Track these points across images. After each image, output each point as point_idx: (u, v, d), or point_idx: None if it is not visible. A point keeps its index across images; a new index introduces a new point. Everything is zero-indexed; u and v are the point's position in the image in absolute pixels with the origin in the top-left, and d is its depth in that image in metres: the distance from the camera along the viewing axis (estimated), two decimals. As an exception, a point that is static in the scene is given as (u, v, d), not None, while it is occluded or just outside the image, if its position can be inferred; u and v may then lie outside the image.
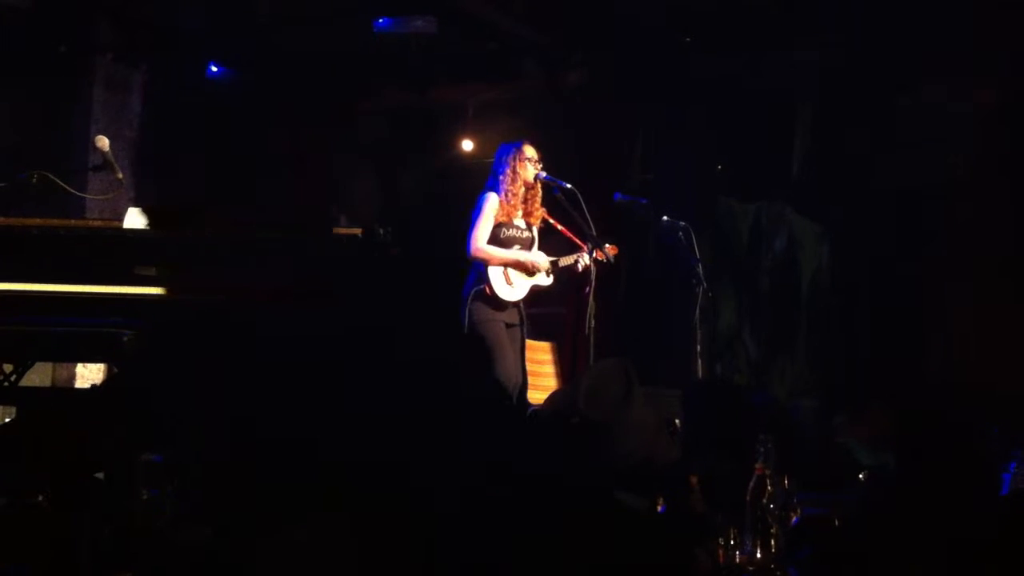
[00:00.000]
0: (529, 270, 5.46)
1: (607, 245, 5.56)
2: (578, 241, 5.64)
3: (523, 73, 7.61)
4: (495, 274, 5.36)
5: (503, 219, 5.43)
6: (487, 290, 5.32)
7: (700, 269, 5.80)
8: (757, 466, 2.27)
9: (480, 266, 5.38)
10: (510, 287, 5.40)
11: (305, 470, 1.66)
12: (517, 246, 5.46)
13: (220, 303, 3.69)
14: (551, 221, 5.65)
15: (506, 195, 5.44)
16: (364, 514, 1.79)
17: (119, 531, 1.97)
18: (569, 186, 5.46)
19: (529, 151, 5.50)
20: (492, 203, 5.42)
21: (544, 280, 5.55)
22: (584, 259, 5.57)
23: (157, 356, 3.51)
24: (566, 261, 5.59)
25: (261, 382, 1.67)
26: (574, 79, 7.79)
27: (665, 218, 5.91)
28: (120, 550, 2.00)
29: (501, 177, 5.46)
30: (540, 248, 5.61)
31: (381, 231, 3.92)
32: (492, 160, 5.65)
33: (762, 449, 2.27)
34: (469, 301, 5.35)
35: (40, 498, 2.86)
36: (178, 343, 1.60)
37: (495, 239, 5.40)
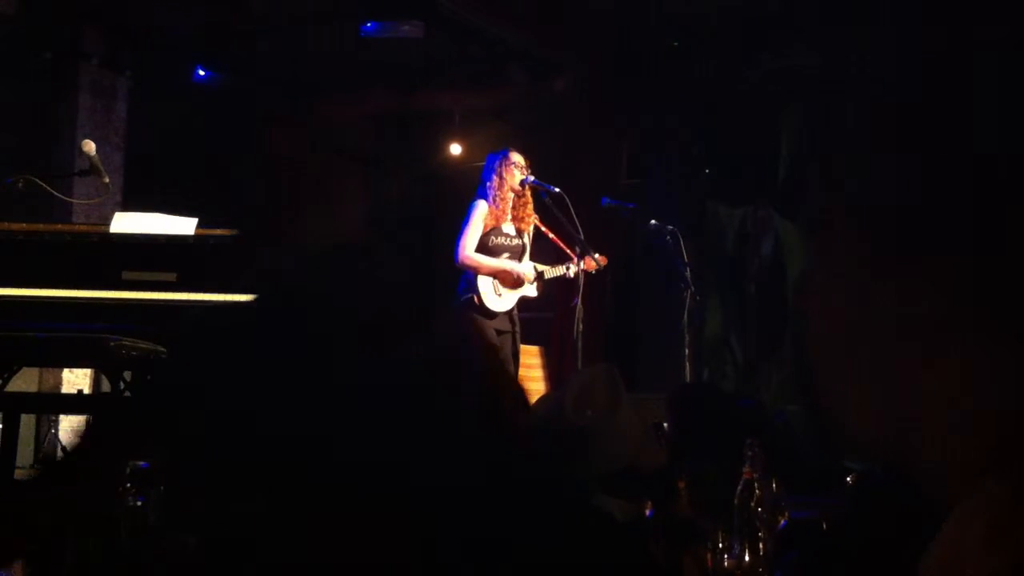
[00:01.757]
0: (515, 281, 5.46)
1: (597, 255, 5.56)
2: (568, 250, 5.65)
3: (510, 78, 7.62)
4: (484, 284, 5.36)
5: (492, 225, 5.44)
6: (476, 300, 5.33)
7: (688, 273, 5.81)
8: (745, 470, 2.27)
9: (469, 274, 5.38)
10: (498, 298, 5.41)
11: (301, 473, 1.65)
12: (506, 254, 5.46)
13: (208, 307, 3.69)
14: (543, 229, 5.66)
15: (494, 202, 5.44)
16: (362, 516, 1.79)
17: (105, 538, 1.96)
18: (557, 190, 5.46)
19: (516, 157, 5.50)
20: (480, 210, 5.43)
21: (531, 291, 5.55)
22: (572, 269, 5.57)
23: (147, 360, 3.50)
24: (552, 273, 5.60)
25: (250, 387, 1.66)
26: (561, 84, 7.80)
27: (653, 222, 5.91)
28: (106, 558, 2.00)
29: (489, 184, 5.47)
30: (531, 255, 5.61)
31: (368, 236, 3.92)
32: (478, 165, 5.67)
33: (750, 453, 2.27)
34: (460, 309, 5.34)
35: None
36: (168, 347, 1.61)
37: (483, 246, 5.40)
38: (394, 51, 7.23)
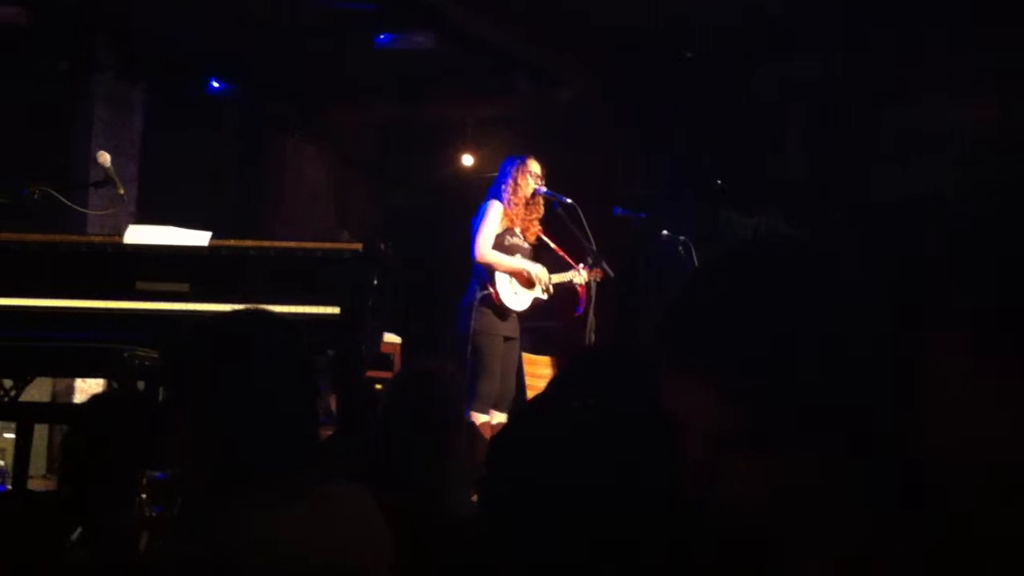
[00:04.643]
0: (531, 281, 5.47)
1: (604, 264, 5.56)
2: (570, 261, 5.65)
3: (519, 89, 7.63)
4: (502, 281, 5.35)
5: (505, 226, 5.45)
6: (494, 296, 5.31)
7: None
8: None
9: (483, 274, 5.37)
10: (515, 296, 5.40)
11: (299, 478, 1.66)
12: (519, 255, 5.47)
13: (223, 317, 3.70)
14: (545, 239, 5.65)
15: (508, 204, 5.45)
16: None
17: (122, 549, 1.97)
18: (569, 201, 5.47)
19: (533, 165, 5.51)
20: (496, 209, 5.42)
21: (542, 294, 5.56)
22: (578, 278, 5.56)
23: (161, 371, 3.51)
24: (560, 278, 5.60)
25: (268, 395, 1.67)
26: (570, 94, 7.81)
27: (664, 232, 5.89)
28: (123, 568, 2.00)
29: (504, 187, 5.47)
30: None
31: (382, 245, 3.93)
32: (487, 175, 5.68)
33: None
34: (475, 308, 5.30)
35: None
36: (183, 358, 1.62)
37: (499, 246, 5.39)
38: (404, 61, 7.26)
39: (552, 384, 1.62)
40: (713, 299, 0.99)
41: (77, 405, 6.02)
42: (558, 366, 6.95)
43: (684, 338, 0.99)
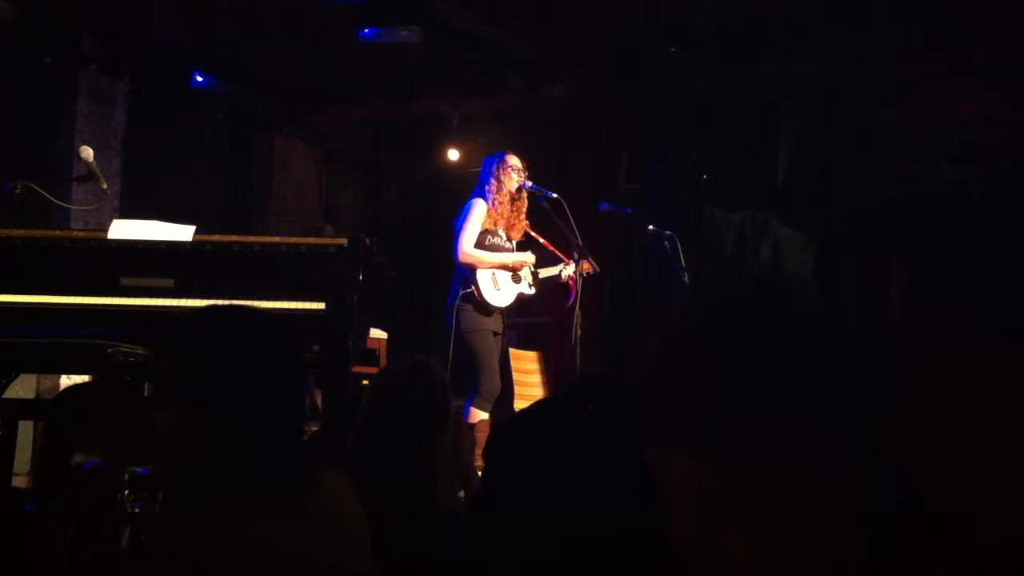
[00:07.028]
0: (517, 272, 5.47)
1: (591, 259, 5.57)
2: (559, 254, 5.65)
3: (508, 84, 7.62)
4: (483, 278, 5.35)
5: (489, 227, 5.44)
6: (476, 294, 5.31)
7: (686, 278, 5.80)
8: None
9: (465, 273, 5.37)
10: (498, 292, 5.40)
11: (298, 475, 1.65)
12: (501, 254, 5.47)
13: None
14: (533, 234, 5.65)
15: (492, 204, 5.44)
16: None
17: (104, 545, 1.96)
18: (555, 195, 5.46)
19: (513, 160, 5.50)
20: (479, 209, 5.42)
21: (528, 289, 5.56)
22: (567, 271, 5.57)
23: (144, 367, 3.50)
24: (547, 272, 5.60)
25: (249, 393, 1.66)
26: (559, 90, 7.81)
27: (650, 227, 5.90)
28: (105, 565, 1.99)
29: (487, 187, 5.47)
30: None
31: (367, 240, 3.92)
32: (476, 170, 5.67)
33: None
34: (457, 308, 5.32)
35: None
36: (171, 354, 1.61)
37: (480, 246, 5.39)
38: (392, 57, 7.23)
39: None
40: (686, 359, 0.95)
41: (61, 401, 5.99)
42: (544, 361, 6.97)
43: (661, 402, 0.95)
